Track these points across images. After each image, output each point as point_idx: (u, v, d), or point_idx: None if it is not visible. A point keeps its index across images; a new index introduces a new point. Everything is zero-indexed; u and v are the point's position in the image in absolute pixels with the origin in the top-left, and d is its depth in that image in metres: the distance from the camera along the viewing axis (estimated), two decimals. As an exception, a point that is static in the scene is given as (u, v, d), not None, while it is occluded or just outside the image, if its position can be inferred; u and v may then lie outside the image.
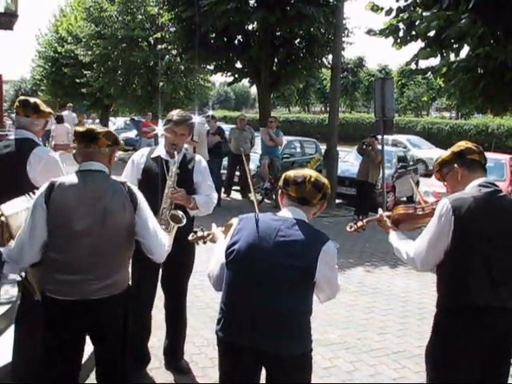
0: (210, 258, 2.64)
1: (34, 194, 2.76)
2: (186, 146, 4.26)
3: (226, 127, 14.31)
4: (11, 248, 2.66)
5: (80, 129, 2.77)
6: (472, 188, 2.64)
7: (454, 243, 2.55)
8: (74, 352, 2.77)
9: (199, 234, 2.93)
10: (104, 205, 2.61)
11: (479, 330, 2.53)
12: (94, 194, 2.62)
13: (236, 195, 12.01)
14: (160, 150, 3.81)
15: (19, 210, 2.77)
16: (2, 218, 2.74)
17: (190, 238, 2.95)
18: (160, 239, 2.81)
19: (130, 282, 2.89)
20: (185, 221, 3.50)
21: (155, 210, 3.57)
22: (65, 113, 18.36)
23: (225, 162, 11.93)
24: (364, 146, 10.46)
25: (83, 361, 2.94)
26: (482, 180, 2.67)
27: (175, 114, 3.74)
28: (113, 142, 2.78)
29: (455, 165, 2.74)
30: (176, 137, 3.68)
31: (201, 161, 3.88)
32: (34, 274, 2.74)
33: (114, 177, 2.81)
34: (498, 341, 2.58)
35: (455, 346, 2.56)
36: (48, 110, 3.60)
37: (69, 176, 2.69)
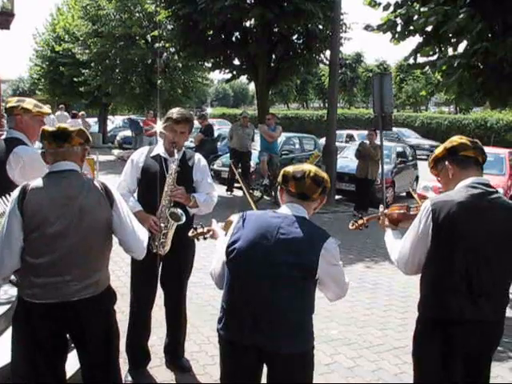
0: (209, 256, 2.64)
1: (9, 196, 2.66)
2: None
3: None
4: None
5: (50, 128, 2.67)
6: (459, 189, 2.51)
7: (434, 247, 2.47)
8: (55, 352, 2.68)
9: (199, 230, 2.91)
10: (80, 204, 2.55)
11: (458, 342, 2.46)
12: (68, 194, 2.56)
13: (238, 192, 11.99)
14: (159, 149, 3.79)
15: None
16: None
17: (189, 234, 2.94)
18: (138, 235, 2.75)
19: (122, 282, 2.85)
20: (184, 218, 3.50)
21: (154, 208, 3.59)
22: (57, 113, 18.36)
23: (224, 158, 11.93)
24: (360, 148, 10.51)
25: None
26: (472, 180, 2.51)
27: (175, 111, 3.70)
28: (85, 140, 2.73)
29: (446, 162, 2.61)
30: (176, 135, 3.66)
31: (200, 159, 3.86)
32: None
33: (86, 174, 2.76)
34: (479, 352, 2.53)
35: (432, 356, 2.51)
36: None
37: (41, 179, 2.61)
